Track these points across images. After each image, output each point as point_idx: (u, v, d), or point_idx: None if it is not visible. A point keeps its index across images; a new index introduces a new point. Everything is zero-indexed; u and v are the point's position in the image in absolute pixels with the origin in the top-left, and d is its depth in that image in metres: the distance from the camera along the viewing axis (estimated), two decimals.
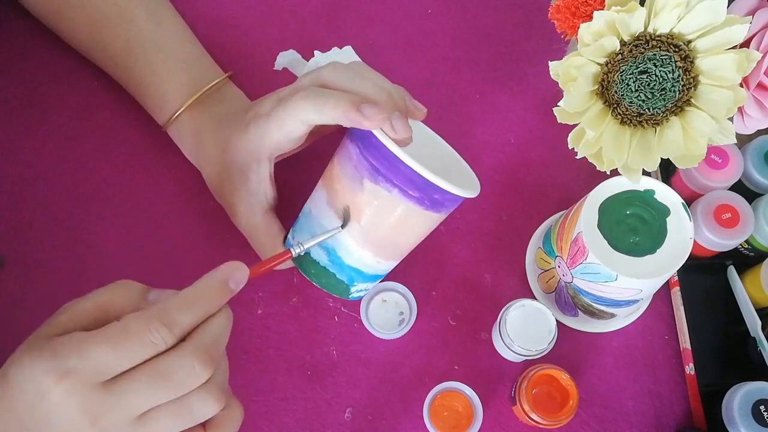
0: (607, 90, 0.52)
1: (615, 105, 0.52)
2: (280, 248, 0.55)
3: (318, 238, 0.50)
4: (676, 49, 0.50)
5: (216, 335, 0.38)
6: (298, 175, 0.60)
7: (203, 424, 0.39)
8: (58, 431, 0.36)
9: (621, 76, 0.51)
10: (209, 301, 0.38)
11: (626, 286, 0.52)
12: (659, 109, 0.52)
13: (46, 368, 0.35)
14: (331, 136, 0.56)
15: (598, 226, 0.53)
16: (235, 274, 0.40)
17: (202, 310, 0.38)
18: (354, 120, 0.47)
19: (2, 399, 0.37)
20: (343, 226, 0.50)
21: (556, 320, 0.57)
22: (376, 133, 0.47)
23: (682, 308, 0.60)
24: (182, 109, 0.57)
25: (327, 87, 0.50)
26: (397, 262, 0.55)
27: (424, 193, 0.49)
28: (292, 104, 0.49)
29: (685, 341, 0.60)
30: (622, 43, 0.51)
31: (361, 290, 0.55)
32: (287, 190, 0.59)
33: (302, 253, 0.49)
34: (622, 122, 0.53)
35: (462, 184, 0.50)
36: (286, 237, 0.55)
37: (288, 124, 0.49)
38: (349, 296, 0.55)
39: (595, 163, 0.53)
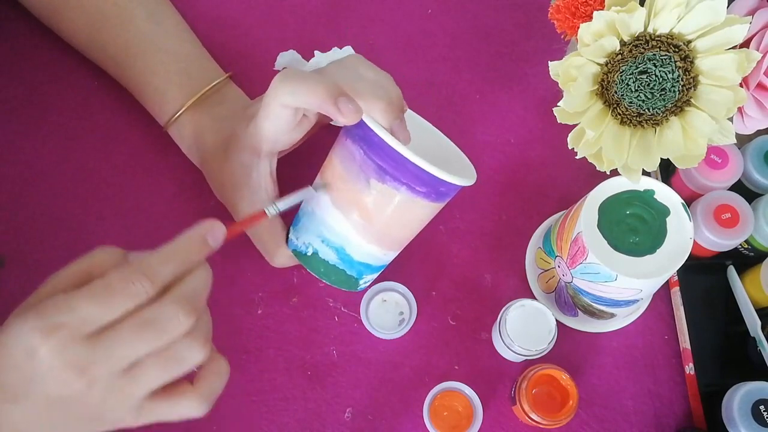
0: (607, 90, 0.52)
1: (615, 105, 0.52)
2: (282, 245, 0.55)
3: (291, 197, 0.50)
4: (676, 49, 0.50)
5: (196, 286, 0.39)
6: (299, 171, 0.60)
7: (190, 379, 0.40)
8: (48, 387, 0.36)
9: (621, 76, 0.51)
10: (188, 254, 0.39)
11: (626, 286, 0.52)
12: (659, 109, 0.52)
13: (32, 326, 0.36)
14: (331, 130, 0.56)
15: (598, 226, 0.53)
16: (213, 230, 0.41)
17: (181, 262, 0.39)
18: (329, 111, 0.47)
19: None
20: (315, 189, 0.51)
21: (556, 320, 0.57)
22: (379, 132, 0.48)
23: (682, 308, 0.60)
24: (183, 110, 0.57)
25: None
26: (400, 250, 0.56)
27: (431, 187, 0.49)
28: (272, 87, 0.48)
29: (685, 341, 0.60)
30: (622, 43, 0.51)
31: (368, 281, 0.56)
32: (288, 189, 0.59)
33: (275, 213, 0.49)
34: (622, 122, 0.53)
35: (458, 168, 0.52)
36: (288, 236, 0.56)
37: (271, 110, 0.49)
38: (358, 288, 0.56)
39: (595, 163, 0.53)
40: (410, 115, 0.57)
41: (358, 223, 0.51)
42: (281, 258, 0.56)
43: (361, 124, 0.49)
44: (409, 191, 0.49)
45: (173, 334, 0.37)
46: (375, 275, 0.56)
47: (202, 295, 0.40)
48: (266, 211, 0.48)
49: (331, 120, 0.52)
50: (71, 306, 0.36)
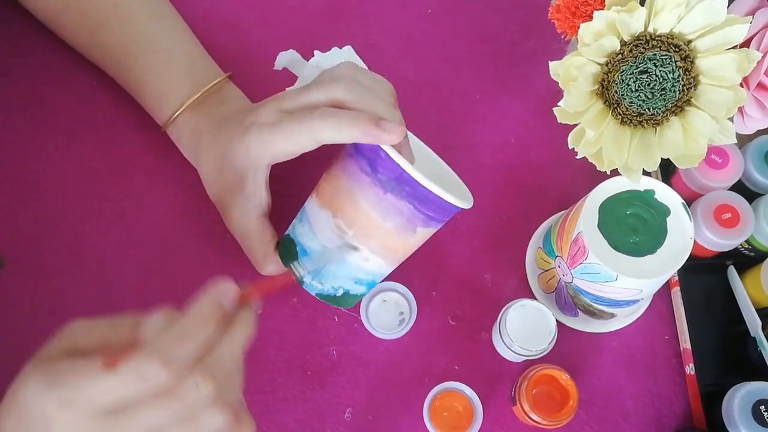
0: (607, 90, 0.52)
1: (615, 105, 0.52)
2: (271, 253, 0.55)
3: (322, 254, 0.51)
4: (676, 49, 0.50)
5: (219, 353, 0.39)
6: (298, 176, 0.60)
7: None
8: None
9: (621, 76, 0.51)
10: (203, 329, 0.39)
11: (626, 286, 0.52)
12: (659, 109, 0.51)
13: (50, 396, 0.36)
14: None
15: (598, 226, 0.53)
16: (225, 293, 0.40)
17: (197, 340, 0.38)
18: (375, 136, 0.47)
19: (12, 416, 0.37)
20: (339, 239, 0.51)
21: (556, 320, 0.57)
22: (432, 188, 0.47)
23: (682, 308, 0.60)
24: (181, 110, 0.57)
25: (341, 106, 0.50)
26: None
27: (449, 217, 0.52)
28: (309, 122, 0.49)
29: (685, 341, 0.60)
30: (622, 43, 0.51)
31: (364, 296, 0.58)
32: (282, 198, 0.59)
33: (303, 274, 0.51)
34: (622, 122, 0.53)
35: (452, 185, 0.54)
36: (279, 242, 0.55)
37: (299, 140, 0.49)
38: (354, 304, 0.57)
39: (595, 163, 0.53)
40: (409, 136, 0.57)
41: (397, 260, 0.53)
42: (270, 266, 0.56)
43: (411, 181, 0.48)
44: (441, 225, 0.53)
45: (194, 403, 0.37)
46: (371, 291, 0.58)
47: (226, 359, 0.39)
48: (294, 271, 0.50)
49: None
50: (90, 380, 0.36)
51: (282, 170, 0.57)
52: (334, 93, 0.50)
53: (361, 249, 0.50)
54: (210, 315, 0.39)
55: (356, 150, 0.50)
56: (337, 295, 0.53)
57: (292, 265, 0.53)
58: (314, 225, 0.51)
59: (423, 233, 0.52)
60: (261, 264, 0.56)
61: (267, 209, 0.55)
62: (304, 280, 0.52)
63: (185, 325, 0.38)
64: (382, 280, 0.56)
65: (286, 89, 0.64)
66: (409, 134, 0.56)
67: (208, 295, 0.40)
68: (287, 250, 0.53)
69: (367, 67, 0.66)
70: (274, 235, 0.56)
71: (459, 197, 0.49)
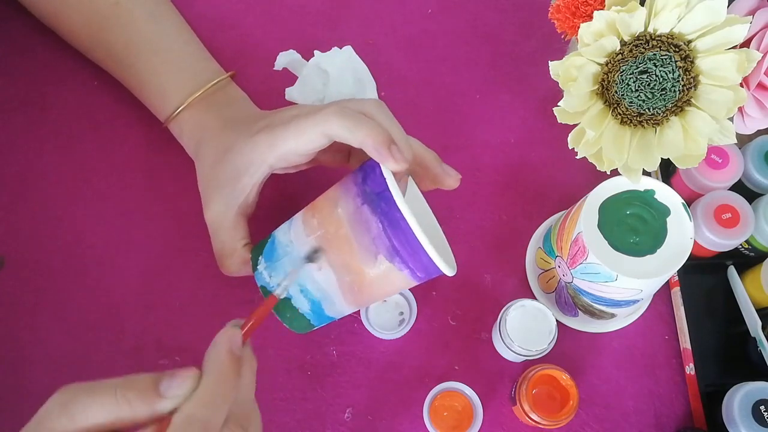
0: (607, 90, 0.52)
1: (615, 105, 0.52)
2: (236, 253, 0.54)
3: (291, 275, 0.48)
4: (676, 49, 0.50)
5: (240, 401, 0.39)
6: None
7: None
8: None
9: (621, 76, 0.51)
10: (231, 388, 0.38)
11: (626, 286, 0.52)
12: (659, 109, 0.52)
13: None
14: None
15: (598, 226, 0.53)
16: (234, 341, 0.40)
17: (228, 400, 0.38)
18: (382, 155, 0.47)
19: None
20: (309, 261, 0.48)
21: (556, 320, 0.57)
22: (408, 218, 0.46)
23: (682, 308, 0.60)
24: (185, 105, 0.57)
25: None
26: None
27: (428, 274, 0.49)
28: (322, 115, 0.48)
29: (685, 341, 0.60)
30: (623, 43, 0.51)
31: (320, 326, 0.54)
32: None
33: (284, 295, 0.47)
34: (622, 122, 0.53)
35: (439, 247, 0.50)
36: (249, 244, 0.54)
37: (308, 134, 0.49)
38: (308, 331, 0.53)
39: (595, 163, 0.53)
40: (412, 187, 0.55)
41: (348, 288, 0.49)
42: (232, 266, 0.54)
43: (390, 200, 0.46)
44: (410, 275, 0.48)
45: None
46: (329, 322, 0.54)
47: (248, 406, 0.40)
48: (276, 295, 0.46)
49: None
50: None
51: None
52: (363, 105, 0.50)
53: (320, 254, 0.48)
54: (232, 371, 0.39)
55: (361, 167, 0.50)
56: (281, 297, 0.49)
57: (255, 251, 0.52)
58: (293, 221, 0.51)
59: (383, 270, 0.48)
60: (223, 261, 0.55)
61: (249, 211, 0.55)
62: (257, 267, 0.51)
63: (215, 387, 0.38)
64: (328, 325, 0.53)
65: (286, 89, 0.64)
66: (418, 193, 0.55)
67: (223, 348, 0.39)
68: (263, 243, 0.52)
69: (367, 67, 0.66)
70: (245, 237, 0.54)
71: (443, 258, 0.47)
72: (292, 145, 0.50)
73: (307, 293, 0.49)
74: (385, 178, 0.46)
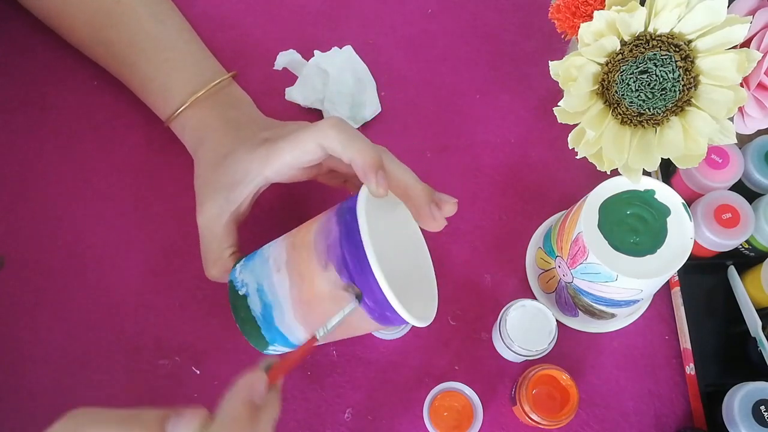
0: (607, 90, 0.52)
1: (615, 105, 0.52)
2: (223, 260, 0.53)
3: (335, 319, 0.46)
4: (677, 49, 0.50)
5: None
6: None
7: None
8: None
9: (621, 75, 0.51)
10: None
11: (626, 286, 0.52)
12: (659, 109, 0.51)
13: None
14: None
15: (598, 226, 0.53)
16: (255, 387, 0.40)
17: None
18: (367, 176, 0.47)
19: None
20: (358, 299, 0.46)
21: (557, 320, 0.57)
22: (363, 230, 0.44)
23: (682, 308, 0.60)
24: (188, 104, 0.57)
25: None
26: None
27: (380, 309, 0.46)
28: (320, 126, 0.49)
29: (685, 341, 0.60)
30: (623, 43, 0.51)
31: (278, 350, 0.51)
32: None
33: (324, 335, 0.46)
34: (622, 122, 0.53)
35: (421, 294, 0.48)
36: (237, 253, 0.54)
37: (303, 145, 0.49)
38: (264, 351, 0.51)
39: (595, 163, 0.53)
40: (406, 218, 0.53)
41: (298, 297, 0.47)
42: (216, 271, 0.54)
43: (353, 212, 0.45)
44: (348, 295, 0.46)
45: None
46: (286, 349, 0.51)
47: None
48: (316, 336, 0.45)
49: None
50: None
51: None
52: (376, 147, 0.50)
53: (281, 252, 0.48)
54: (247, 422, 0.38)
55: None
56: (240, 292, 0.49)
57: (240, 259, 0.52)
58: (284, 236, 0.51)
59: (332, 283, 0.45)
60: (210, 266, 0.54)
61: (240, 219, 0.54)
62: (237, 265, 0.51)
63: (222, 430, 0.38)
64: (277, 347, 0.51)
65: (286, 89, 0.65)
66: (417, 230, 0.54)
67: (239, 394, 0.39)
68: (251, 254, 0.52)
69: (367, 67, 0.66)
70: (234, 245, 0.54)
71: (424, 308, 0.46)
72: (288, 159, 0.50)
73: (262, 293, 0.48)
74: (356, 199, 0.46)
